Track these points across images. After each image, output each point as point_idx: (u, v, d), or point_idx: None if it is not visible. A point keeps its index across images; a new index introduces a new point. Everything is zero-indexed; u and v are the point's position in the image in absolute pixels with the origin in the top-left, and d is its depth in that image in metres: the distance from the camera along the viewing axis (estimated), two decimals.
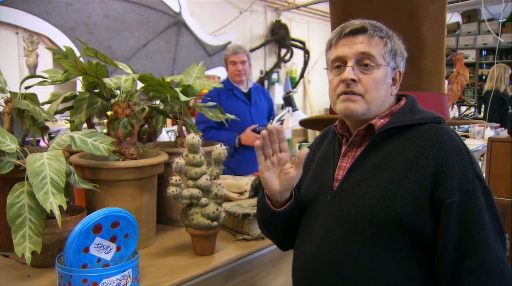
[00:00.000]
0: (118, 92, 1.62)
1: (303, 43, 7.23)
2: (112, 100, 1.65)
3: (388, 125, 1.17)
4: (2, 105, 1.55)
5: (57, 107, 1.74)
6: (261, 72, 7.00)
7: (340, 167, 1.24)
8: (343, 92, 1.18)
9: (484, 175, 3.32)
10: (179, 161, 1.43)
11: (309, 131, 7.47)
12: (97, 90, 1.66)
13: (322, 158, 1.33)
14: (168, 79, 1.76)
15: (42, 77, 1.71)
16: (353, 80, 1.16)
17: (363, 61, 1.16)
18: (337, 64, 1.21)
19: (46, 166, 1.25)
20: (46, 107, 1.73)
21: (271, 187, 1.22)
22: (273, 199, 1.26)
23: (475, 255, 1.04)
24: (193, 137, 1.45)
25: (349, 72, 1.16)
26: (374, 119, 1.19)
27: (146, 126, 2.03)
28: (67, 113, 1.84)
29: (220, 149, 1.48)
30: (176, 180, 1.42)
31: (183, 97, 1.67)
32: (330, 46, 1.24)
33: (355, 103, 1.17)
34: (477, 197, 1.06)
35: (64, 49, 1.43)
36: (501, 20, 7.91)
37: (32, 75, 1.70)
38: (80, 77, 1.63)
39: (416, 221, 1.08)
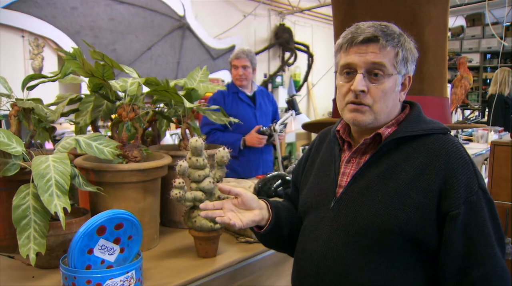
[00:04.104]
0: (122, 95, 1.63)
1: (307, 46, 7.25)
2: (117, 103, 1.67)
3: (395, 135, 1.16)
4: (8, 110, 1.57)
5: (63, 108, 1.76)
6: (265, 75, 7.02)
7: (343, 173, 1.24)
8: (351, 101, 1.17)
9: (486, 179, 3.33)
10: (182, 164, 1.44)
11: (313, 134, 7.47)
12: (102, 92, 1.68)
13: (323, 162, 1.33)
14: (172, 83, 1.77)
15: (43, 76, 1.72)
16: (363, 91, 1.14)
17: (374, 71, 1.14)
18: (347, 70, 1.18)
19: (51, 168, 1.27)
20: (52, 108, 1.75)
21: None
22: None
23: (481, 265, 1.06)
24: (196, 141, 1.46)
25: (359, 83, 1.14)
26: (381, 129, 1.18)
27: (149, 129, 2.05)
28: (72, 116, 1.86)
29: (223, 152, 1.49)
30: (179, 183, 1.43)
31: (188, 104, 1.68)
32: (339, 50, 1.20)
33: (363, 114, 1.16)
34: (481, 209, 1.08)
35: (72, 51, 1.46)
36: (505, 24, 7.90)
37: (34, 75, 1.71)
38: (86, 80, 1.64)
39: (421, 231, 1.08)
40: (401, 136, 1.16)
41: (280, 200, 1.52)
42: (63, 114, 1.79)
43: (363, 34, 1.14)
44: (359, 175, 1.19)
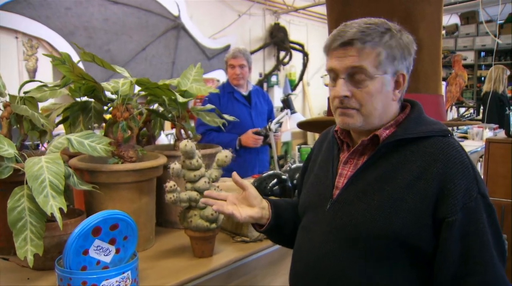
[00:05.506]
0: (115, 96, 1.63)
1: (302, 45, 7.26)
2: (109, 104, 1.66)
3: (393, 137, 1.13)
4: (1, 109, 1.56)
5: (52, 123, 1.75)
6: (260, 75, 7.02)
7: (341, 175, 1.22)
8: (338, 106, 1.15)
9: (482, 176, 3.34)
10: (174, 166, 1.44)
11: (309, 133, 7.48)
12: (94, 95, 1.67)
13: (323, 162, 1.31)
14: (165, 82, 1.76)
15: (41, 81, 1.72)
16: (346, 96, 1.12)
17: (355, 75, 1.11)
18: (332, 75, 1.16)
19: (44, 169, 1.26)
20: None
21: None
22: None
23: (479, 273, 1.04)
24: (186, 145, 1.44)
25: (340, 89, 1.12)
26: (379, 130, 1.15)
27: (144, 129, 2.04)
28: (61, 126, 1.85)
29: (225, 153, 1.49)
30: (171, 186, 1.42)
31: (181, 99, 1.68)
32: (324, 52, 1.19)
33: (352, 117, 1.14)
34: (480, 215, 1.05)
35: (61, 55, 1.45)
36: (499, 22, 7.93)
37: (32, 80, 1.71)
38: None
39: (417, 237, 1.06)
40: (399, 138, 1.13)
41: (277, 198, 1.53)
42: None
43: (342, 37, 1.11)
44: (356, 177, 1.17)
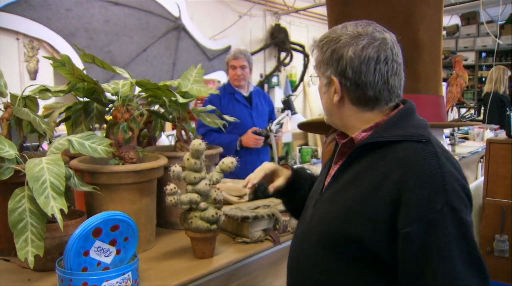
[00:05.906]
0: (115, 97, 1.63)
1: (302, 46, 7.25)
2: (110, 105, 1.66)
3: (365, 140, 1.11)
4: (1, 110, 1.56)
5: (57, 117, 1.75)
6: (261, 76, 7.01)
7: (329, 175, 1.24)
8: None
9: (482, 177, 3.34)
10: (175, 169, 1.44)
11: (310, 134, 7.47)
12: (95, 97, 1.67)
13: (328, 162, 1.33)
14: (166, 83, 1.77)
15: (44, 86, 1.71)
16: None
17: None
18: None
19: (45, 170, 1.26)
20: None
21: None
22: None
23: None
24: (200, 144, 1.45)
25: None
26: (355, 133, 1.15)
27: (145, 130, 2.04)
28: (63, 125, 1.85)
29: (231, 159, 1.50)
30: (171, 189, 1.43)
31: (181, 100, 1.68)
32: None
33: None
34: (444, 229, 0.97)
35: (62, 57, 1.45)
36: (500, 22, 7.94)
37: (35, 85, 1.70)
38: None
39: (376, 244, 1.03)
40: (369, 142, 1.10)
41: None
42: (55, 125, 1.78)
43: None
44: (334, 178, 1.19)
